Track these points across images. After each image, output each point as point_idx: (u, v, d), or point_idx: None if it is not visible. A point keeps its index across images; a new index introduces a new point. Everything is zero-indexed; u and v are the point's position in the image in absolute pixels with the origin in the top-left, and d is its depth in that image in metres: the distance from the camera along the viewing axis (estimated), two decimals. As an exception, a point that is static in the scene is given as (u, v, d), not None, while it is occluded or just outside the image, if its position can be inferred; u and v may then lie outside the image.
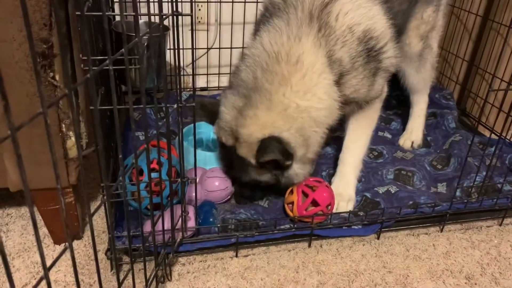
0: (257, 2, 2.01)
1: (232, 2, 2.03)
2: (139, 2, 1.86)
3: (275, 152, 1.19)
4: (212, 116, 1.31)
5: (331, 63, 1.21)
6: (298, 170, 1.31)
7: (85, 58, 0.83)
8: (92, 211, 0.79)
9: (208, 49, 2.18)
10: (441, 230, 1.45)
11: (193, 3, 0.94)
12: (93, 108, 0.81)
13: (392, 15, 1.31)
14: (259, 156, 1.21)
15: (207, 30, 2.15)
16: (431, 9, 1.61)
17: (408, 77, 1.74)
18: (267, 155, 1.20)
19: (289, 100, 1.19)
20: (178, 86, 1.04)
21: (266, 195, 1.44)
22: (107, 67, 0.66)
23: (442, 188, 1.60)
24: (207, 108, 1.29)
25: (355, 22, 1.22)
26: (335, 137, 1.65)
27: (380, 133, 1.95)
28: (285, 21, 1.23)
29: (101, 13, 0.73)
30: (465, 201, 1.46)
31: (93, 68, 0.61)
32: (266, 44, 1.22)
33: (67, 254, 1.27)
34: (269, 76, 1.19)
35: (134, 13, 0.74)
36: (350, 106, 1.36)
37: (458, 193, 1.52)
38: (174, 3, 0.89)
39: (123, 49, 0.70)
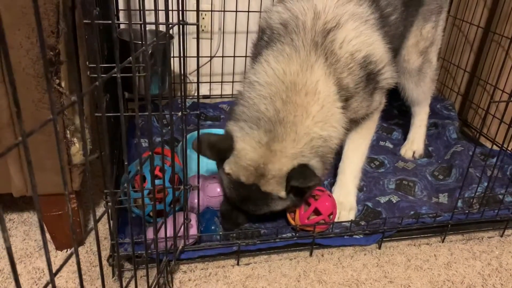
0: (260, 11, 2.03)
1: (236, 11, 2.05)
2: (146, 10, 1.87)
3: (315, 178, 1.17)
4: (222, 154, 1.21)
5: (340, 90, 1.21)
6: (309, 193, 1.32)
7: (92, 65, 0.84)
8: (92, 216, 0.80)
9: (211, 57, 2.20)
10: (443, 241, 1.45)
11: (198, 12, 0.95)
12: (101, 114, 0.82)
13: (389, 39, 1.33)
14: (299, 182, 1.16)
15: (211, 39, 2.17)
16: (430, 26, 1.63)
17: (408, 91, 1.76)
18: (310, 180, 1.16)
19: (313, 132, 1.18)
20: (182, 94, 1.05)
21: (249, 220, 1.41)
22: (115, 75, 0.67)
23: (443, 198, 1.61)
24: (216, 147, 1.19)
25: (356, 49, 1.22)
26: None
27: (381, 143, 1.95)
28: (291, 47, 1.21)
29: (109, 22, 0.74)
30: (467, 211, 1.46)
31: (102, 75, 0.61)
32: (279, 72, 1.19)
33: (70, 260, 1.27)
34: (291, 108, 1.16)
35: (142, 22, 0.75)
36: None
37: (459, 204, 1.52)
38: (181, 12, 0.90)
39: (130, 58, 0.71)
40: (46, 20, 0.98)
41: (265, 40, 1.32)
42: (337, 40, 1.20)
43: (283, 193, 1.21)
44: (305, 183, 1.16)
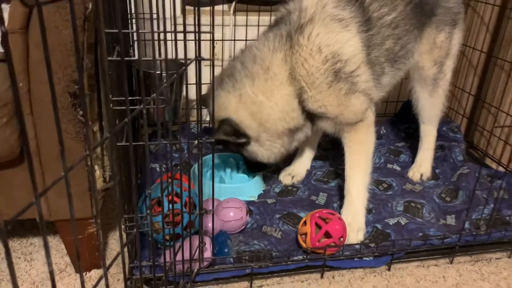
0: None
1: (246, 40, 2.13)
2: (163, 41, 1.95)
3: (220, 133, 1.43)
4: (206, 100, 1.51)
5: (292, 78, 1.40)
6: (256, 148, 1.51)
7: (117, 99, 0.91)
8: (109, 240, 0.84)
9: (221, 83, 2.27)
10: (451, 262, 1.47)
11: (212, 48, 1.02)
12: (123, 144, 0.88)
13: (380, 40, 1.45)
14: (214, 135, 1.40)
15: (221, 66, 2.25)
16: (444, 36, 1.69)
17: (422, 101, 1.81)
18: (216, 135, 1.42)
19: (247, 91, 1.41)
20: (199, 120, 1.11)
21: (264, 168, 1.71)
22: (135, 107, 0.72)
23: (451, 220, 1.63)
24: (204, 97, 1.48)
25: (325, 44, 1.37)
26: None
27: (389, 166, 1.99)
28: (274, 34, 1.44)
29: (135, 58, 0.80)
30: (474, 233, 1.49)
31: (131, 107, 0.67)
32: (254, 48, 1.46)
33: (88, 283, 1.31)
34: (242, 70, 1.43)
35: (164, 58, 0.82)
36: (326, 122, 1.49)
37: (466, 225, 1.55)
38: (197, 48, 0.97)
39: (154, 94, 0.77)
40: (72, 56, 1.05)
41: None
42: (305, 33, 1.38)
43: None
44: (214, 135, 1.35)
